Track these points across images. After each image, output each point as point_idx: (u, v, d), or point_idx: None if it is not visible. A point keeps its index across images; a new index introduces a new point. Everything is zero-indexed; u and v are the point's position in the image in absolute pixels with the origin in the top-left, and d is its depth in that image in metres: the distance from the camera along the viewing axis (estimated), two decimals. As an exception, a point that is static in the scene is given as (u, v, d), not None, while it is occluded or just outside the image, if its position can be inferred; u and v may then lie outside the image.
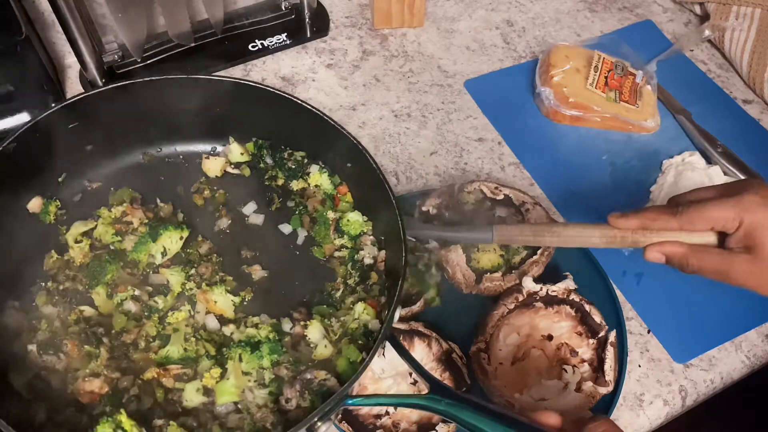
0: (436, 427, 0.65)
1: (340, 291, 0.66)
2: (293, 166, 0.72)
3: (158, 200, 0.70)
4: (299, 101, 0.66)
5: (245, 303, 0.65)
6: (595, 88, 0.92)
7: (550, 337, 0.72)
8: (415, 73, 0.99)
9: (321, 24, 1.01)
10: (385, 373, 0.69)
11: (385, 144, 0.91)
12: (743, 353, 0.76)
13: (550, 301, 0.73)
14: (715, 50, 1.05)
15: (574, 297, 0.72)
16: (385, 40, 1.02)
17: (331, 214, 0.69)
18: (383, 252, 0.67)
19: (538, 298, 0.73)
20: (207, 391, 0.59)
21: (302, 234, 0.70)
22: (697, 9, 1.08)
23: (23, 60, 0.84)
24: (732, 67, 1.03)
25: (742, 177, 0.88)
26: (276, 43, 0.98)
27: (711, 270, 0.62)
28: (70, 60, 0.95)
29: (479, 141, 0.91)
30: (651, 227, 0.63)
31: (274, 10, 0.99)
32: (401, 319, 0.71)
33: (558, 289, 0.73)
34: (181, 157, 0.72)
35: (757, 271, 0.60)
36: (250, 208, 0.71)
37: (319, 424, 0.53)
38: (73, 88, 0.93)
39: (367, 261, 0.67)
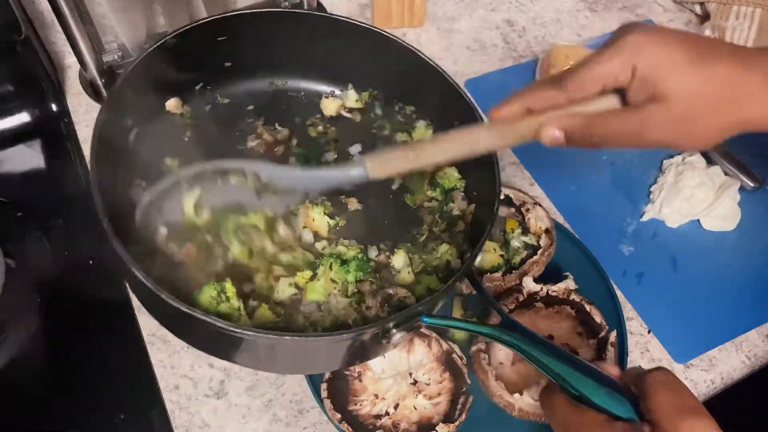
0: (437, 428, 0.65)
1: (425, 236, 0.69)
2: (401, 119, 0.76)
3: (277, 125, 0.74)
4: (426, 58, 0.69)
5: (338, 227, 0.69)
6: (596, 88, 0.92)
7: (550, 338, 0.72)
8: (415, 73, 0.99)
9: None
10: (386, 373, 0.69)
11: (385, 144, 0.91)
12: (743, 353, 0.76)
13: (550, 301, 0.73)
14: (715, 50, 1.05)
15: (574, 297, 0.72)
16: (385, 40, 1.02)
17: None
18: (473, 206, 0.70)
19: (538, 298, 0.73)
20: (297, 289, 0.64)
21: (398, 181, 0.73)
22: (698, 9, 1.08)
23: (23, 60, 0.84)
24: (732, 67, 1.03)
25: (743, 177, 0.88)
26: (276, 42, 0.98)
27: (620, 134, 0.52)
28: (70, 60, 0.94)
29: (479, 141, 0.91)
30: (537, 107, 0.54)
31: (274, 10, 0.99)
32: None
33: (558, 289, 0.73)
34: (302, 93, 0.77)
35: (669, 119, 0.50)
36: (355, 149, 0.75)
37: (393, 331, 0.55)
38: (73, 87, 0.93)
39: (456, 213, 0.70)
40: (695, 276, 0.81)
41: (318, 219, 0.68)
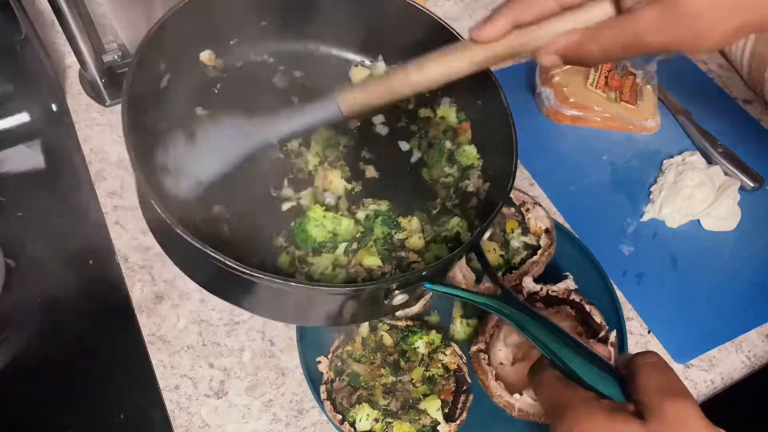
0: (438, 427, 0.65)
1: (438, 209, 0.70)
2: (426, 95, 0.76)
3: (305, 84, 0.75)
4: (457, 33, 0.69)
5: (354, 192, 0.70)
6: (596, 88, 0.92)
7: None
8: (415, 73, 0.99)
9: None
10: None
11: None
12: (743, 353, 0.76)
13: (550, 301, 0.73)
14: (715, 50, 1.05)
15: (574, 297, 0.72)
16: (385, 40, 1.02)
17: (448, 144, 0.73)
18: (488, 184, 0.70)
19: (538, 298, 0.73)
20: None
21: (417, 154, 0.74)
22: (697, 9, 1.08)
23: (23, 60, 0.84)
24: (732, 67, 1.03)
25: (743, 177, 0.88)
26: (276, 42, 0.98)
27: (618, 44, 0.48)
28: (70, 60, 0.94)
29: (479, 141, 0.91)
30: (525, 20, 0.50)
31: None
32: (402, 319, 0.71)
33: (558, 289, 0.73)
34: (333, 60, 0.77)
35: (671, 20, 0.45)
36: (378, 119, 0.75)
37: (396, 291, 0.55)
38: (73, 87, 0.93)
39: (470, 189, 0.70)
40: (695, 276, 0.81)
41: (335, 182, 0.68)
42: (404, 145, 0.74)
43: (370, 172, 0.71)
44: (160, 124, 0.65)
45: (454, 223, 0.67)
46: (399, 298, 0.56)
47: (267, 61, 0.74)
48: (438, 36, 0.70)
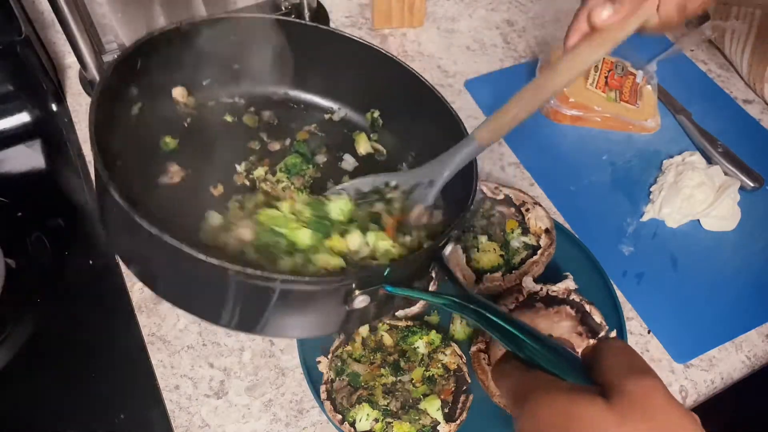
0: (438, 427, 0.65)
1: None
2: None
3: (273, 123, 0.76)
4: (418, 74, 0.70)
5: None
6: (596, 88, 0.92)
7: (550, 338, 0.72)
8: (415, 73, 0.99)
9: (321, 24, 1.01)
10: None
11: (385, 144, 0.91)
12: (743, 353, 0.76)
13: (550, 301, 0.73)
14: (715, 50, 1.05)
15: (574, 297, 0.72)
16: (385, 40, 1.02)
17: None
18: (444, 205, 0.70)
19: (538, 298, 0.73)
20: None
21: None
22: (697, 9, 1.08)
23: (23, 60, 0.84)
24: (732, 67, 1.03)
25: (743, 177, 0.88)
26: (276, 42, 0.98)
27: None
28: (70, 60, 0.94)
29: (479, 141, 0.91)
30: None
31: (274, 10, 0.99)
32: (402, 319, 0.71)
33: (558, 289, 0.73)
34: (303, 104, 0.78)
35: None
36: (348, 157, 0.75)
37: (356, 292, 0.53)
38: (73, 87, 0.93)
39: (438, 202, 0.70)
40: (695, 276, 0.81)
41: (301, 206, 0.68)
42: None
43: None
44: (130, 146, 0.65)
45: (420, 235, 0.66)
46: (360, 300, 0.54)
47: (238, 103, 0.75)
48: (403, 77, 0.71)
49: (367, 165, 0.75)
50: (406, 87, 0.71)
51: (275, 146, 0.74)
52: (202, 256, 0.48)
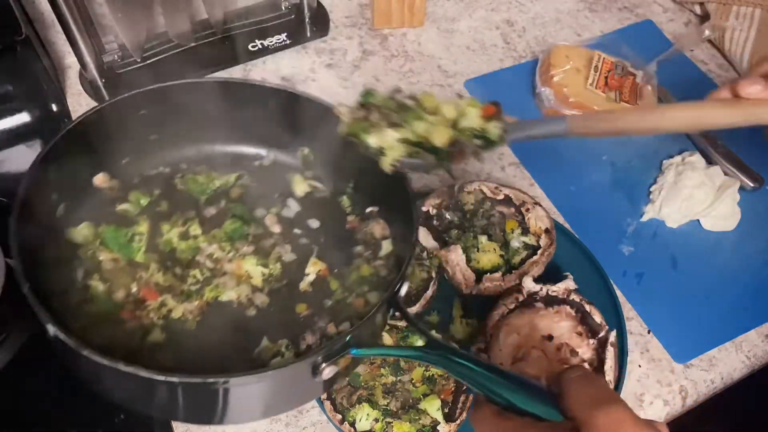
0: (438, 427, 0.65)
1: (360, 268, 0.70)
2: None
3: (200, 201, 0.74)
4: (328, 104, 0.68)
5: (272, 275, 0.69)
6: (596, 88, 0.92)
7: (550, 338, 0.72)
8: (415, 73, 0.99)
9: (321, 24, 1.01)
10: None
11: (385, 144, 0.91)
12: (743, 353, 0.76)
13: (550, 301, 0.73)
14: (715, 50, 1.05)
15: (574, 297, 0.72)
16: (385, 40, 1.02)
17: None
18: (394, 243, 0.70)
19: (538, 298, 0.73)
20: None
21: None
22: (697, 9, 1.08)
23: (23, 60, 0.84)
24: (732, 67, 1.03)
25: (743, 177, 0.88)
26: (276, 43, 0.98)
27: None
28: (70, 60, 0.94)
29: (479, 141, 0.91)
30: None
31: (274, 10, 0.99)
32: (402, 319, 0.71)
33: (558, 289, 0.73)
34: (229, 156, 0.77)
35: None
36: (292, 202, 0.74)
37: (323, 365, 0.54)
38: (73, 87, 0.93)
39: (381, 254, 0.70)
40: (695, 276, 0.81)
41: (251, 269, 0.68)
42: (314, 223, 0.73)
43: (287, 252, 0.70)
44: (63, 250, 0.65)
45: (364, 272, 0.68)
46: (327, 371, 0.54)
47: (163, 172, 0.74)
48: (316, 109, 0.70)
49: (309, 205, 0.74)
50: (320, 118, 0.69)
51: (211, 211, 0.72)
52: (143, 373, 0.50)
